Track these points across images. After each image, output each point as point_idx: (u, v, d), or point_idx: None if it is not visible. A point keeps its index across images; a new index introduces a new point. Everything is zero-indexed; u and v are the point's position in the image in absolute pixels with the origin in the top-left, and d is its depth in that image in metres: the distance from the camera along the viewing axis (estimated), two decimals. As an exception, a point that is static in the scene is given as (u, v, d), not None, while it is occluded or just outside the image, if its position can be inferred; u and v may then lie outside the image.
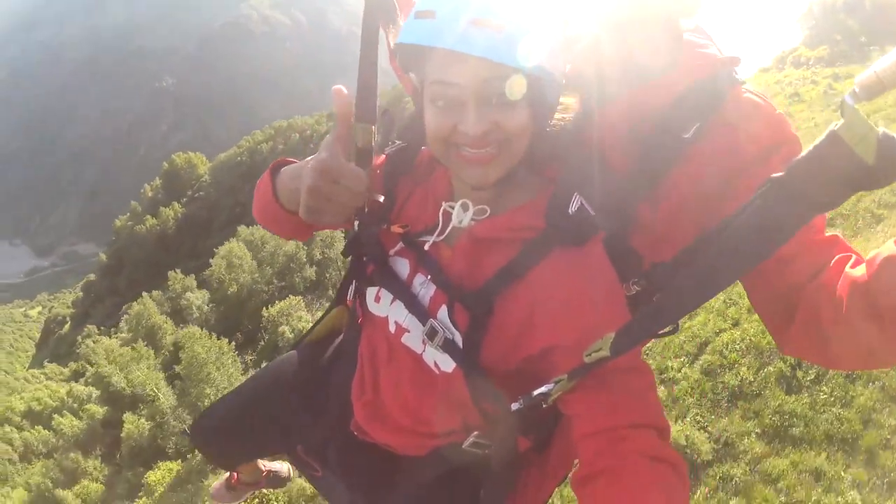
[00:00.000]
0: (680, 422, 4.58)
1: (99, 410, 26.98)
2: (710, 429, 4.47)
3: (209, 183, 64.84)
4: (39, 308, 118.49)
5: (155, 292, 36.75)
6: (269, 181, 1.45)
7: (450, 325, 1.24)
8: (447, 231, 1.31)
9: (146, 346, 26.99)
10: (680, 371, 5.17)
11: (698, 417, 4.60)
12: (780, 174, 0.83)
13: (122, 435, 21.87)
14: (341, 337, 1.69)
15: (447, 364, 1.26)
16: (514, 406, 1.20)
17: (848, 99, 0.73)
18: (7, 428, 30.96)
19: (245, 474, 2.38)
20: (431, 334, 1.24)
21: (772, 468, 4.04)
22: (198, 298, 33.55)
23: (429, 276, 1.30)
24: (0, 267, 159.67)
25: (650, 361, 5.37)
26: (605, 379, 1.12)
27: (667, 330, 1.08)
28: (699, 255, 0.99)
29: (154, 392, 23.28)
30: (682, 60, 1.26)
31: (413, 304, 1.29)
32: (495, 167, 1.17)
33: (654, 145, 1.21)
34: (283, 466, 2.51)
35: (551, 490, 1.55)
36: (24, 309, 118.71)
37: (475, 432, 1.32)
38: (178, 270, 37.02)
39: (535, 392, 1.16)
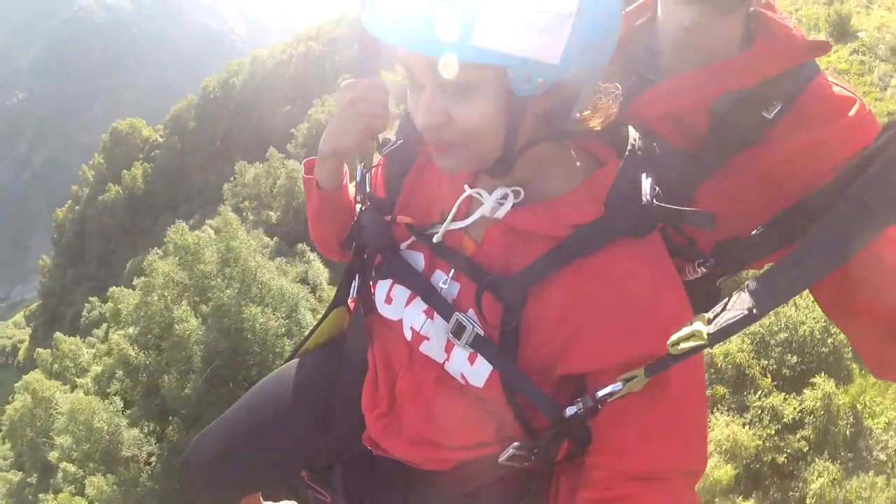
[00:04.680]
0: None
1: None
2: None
3: (166, 137, 61.91)
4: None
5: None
6: (309, 178, 1.43)
7: (478, 321, 1.09)
8: (471, 220, 1.14)
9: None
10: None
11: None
12: None
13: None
14: (345, 342, 1.44)
15: (477, 377, 1.12)
16: (571, 410, 1.05)
17: None
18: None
19: None
20: (458, 331, 1.09)
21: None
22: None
23: (451, 272, 1.15)
24: None
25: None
26: (657, 423, 1.04)
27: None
28: (805, 224, 0.93)
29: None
30: (763, 44, 1.19)
31: (433, 298, 1.15)
32: (455, 159, 1.04)
33: (733, 123, 1.15)
34: None
35: None
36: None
37: (515, 443, 1.15)
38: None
39: (600, 393, 1.02)
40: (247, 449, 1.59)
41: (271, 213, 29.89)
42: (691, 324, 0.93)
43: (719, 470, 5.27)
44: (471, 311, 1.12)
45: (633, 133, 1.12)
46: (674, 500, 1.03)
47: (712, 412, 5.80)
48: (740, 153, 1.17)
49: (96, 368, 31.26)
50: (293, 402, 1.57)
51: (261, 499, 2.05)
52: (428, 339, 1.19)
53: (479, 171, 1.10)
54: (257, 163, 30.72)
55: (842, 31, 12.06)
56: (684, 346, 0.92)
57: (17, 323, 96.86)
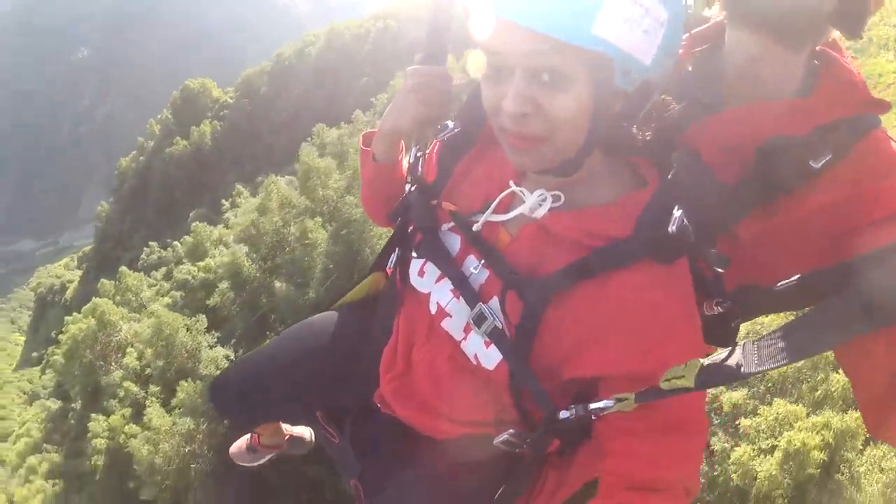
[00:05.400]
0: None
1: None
2: None
3: (236, 98, 63.93)
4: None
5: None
6: (365, 149, 1.49)
7: (500, 313, 1.16)
8: (510, 215, 1.20)
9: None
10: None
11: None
12: None
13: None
14: (377, 304, 1.55)
15: (488, 360, 1.20)
16: (564, 414, 1.14)
17: None
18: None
19: (266, 436, 2.30)
20: (479, 320, 1.17)
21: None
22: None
23: (482, 261, 1.21)
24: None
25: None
26: (657, 429, 1.09)
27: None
28: (822, 293, 0.96)
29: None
30: (826, 88, 1.20)
31: (461, 285, 1.21)
32: (536, 156, 1.07)
33: (777, 165, 1.14)
34: (305, 431, 2.43)
35: (563, 499, 1.41)
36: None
37: (510, 430, 1.22)
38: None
39: (592, 406, 1.10)
40: (273, 382, 1.73)
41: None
42: (685, 366, 0.98)
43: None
44: (494, 300, 1.18)
45: (677, 159, 1.18)
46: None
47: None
48: (781, 198, 1.17)
49: (165, 300, 32.66)
50: (323, 348, 1.68)
51: (280, 424, 2.26)
52: (451, 316, 1.26)
53: (547, 170, 1.13)
54: (343, 123, 31.76)
55: (910, 49, 13.28)
56: (675, 383, 0.98)
57: (66, 265, 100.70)
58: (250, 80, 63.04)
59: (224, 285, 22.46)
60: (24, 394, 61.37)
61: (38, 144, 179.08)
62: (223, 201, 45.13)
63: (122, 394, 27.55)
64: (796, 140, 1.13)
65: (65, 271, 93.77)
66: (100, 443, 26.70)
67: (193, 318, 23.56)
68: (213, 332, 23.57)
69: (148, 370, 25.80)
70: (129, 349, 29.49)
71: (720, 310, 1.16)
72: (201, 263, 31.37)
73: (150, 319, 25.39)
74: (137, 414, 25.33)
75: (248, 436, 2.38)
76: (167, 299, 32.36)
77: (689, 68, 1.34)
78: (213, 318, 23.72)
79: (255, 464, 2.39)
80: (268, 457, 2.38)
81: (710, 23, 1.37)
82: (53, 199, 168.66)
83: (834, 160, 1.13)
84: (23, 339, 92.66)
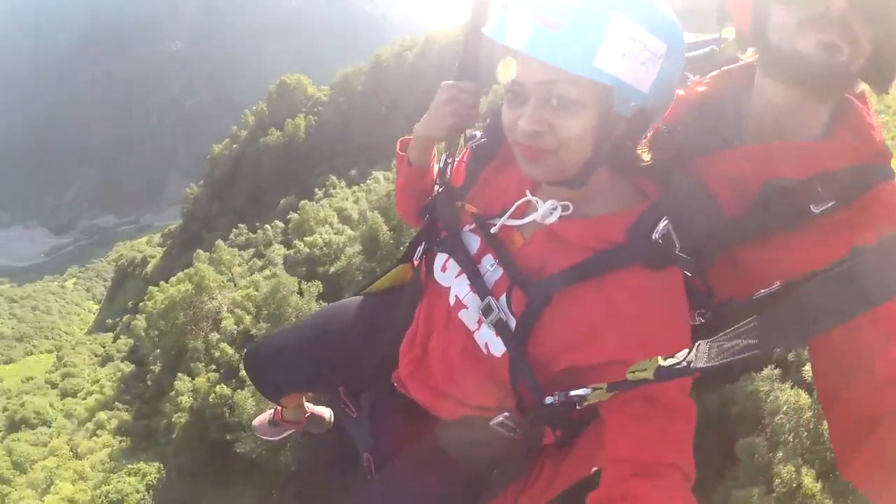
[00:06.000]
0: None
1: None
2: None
3: (331, 97, 66.64)
4: (74, 279, 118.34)
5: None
6: (401, 153, 1.65)
7: (506, 307, 1.30)
8: (524, 220, 1.35)
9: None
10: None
11: None
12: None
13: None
14: (402, 293, 1.68)
15: (497, 349, 1.33)
16: (549, 400, 1.26)
17: None
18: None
19: (289, 412, 2.45)
20: (487, 311, 1.32)
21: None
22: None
23: (497, 260, 1.36)
24: (19, 250, 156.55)
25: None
26: (649, 413, 1.17)
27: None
28: (780, 302, 1.05)
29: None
30: (841, 135, 1.23)
31: (476, 281, 1.37)
32: (544, 167, 1.22)
33: (778, 204, 1.19)
34: (325, 411, 2.55)
35: (558, 491, 1.53)
36: (56, 282, 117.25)
37: (506, 413, 1.36)
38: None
39: (572, 392, 1.21)
40: (302, 355, 1.92)
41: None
42: (648, 360, 1.06)
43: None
44: (503, 298, 1.33)
45: (676, 180, 1.28)
46: (673, 495, 1.14)
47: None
48: (776, 234, 1.23)
49: (265, 272, 33.90)
50: (349, 329, 1.85)
51: (304, 398, 2.43)
52: (466, 307, 1.40)
53: (555, 182, 1.27)
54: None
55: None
56: (638, 375, 1.06)
57: (148, 241, 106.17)
58: (347, 79, 65.34)
59: (352, 250, 23.37)
60: (97, 356, 64.47)
61: (128, 128, 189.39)
62: (316, 190, 46.91)
63: (217, 354, 28.58)
64: (797, 183, 1.19)
65: (146, 247, 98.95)
66: (184, 401, 27.84)
67: (309, 283, 24.47)
68: (321, 301, 24.40)
69: (252, 332, 26.83)
70: (224, 314, 30.77)
71: (702, 320, 1.29)
72: (308, 239, 32.67)
73: (270, 280, 26.32)
74: (226, 378, 26.32)
75: (271, 410, 2.57)
76: (266, 272, 33.65)
77: (715, 102, 1.41)
78: (328, 286, 24.52)
79: (275, 438, 2.59)
80: (287, 432, 2.59)
81: (742, 62, 1.45)
82: (138, 181, 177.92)
83: (836, 207, 1.18)
84: (96, 307, 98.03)
